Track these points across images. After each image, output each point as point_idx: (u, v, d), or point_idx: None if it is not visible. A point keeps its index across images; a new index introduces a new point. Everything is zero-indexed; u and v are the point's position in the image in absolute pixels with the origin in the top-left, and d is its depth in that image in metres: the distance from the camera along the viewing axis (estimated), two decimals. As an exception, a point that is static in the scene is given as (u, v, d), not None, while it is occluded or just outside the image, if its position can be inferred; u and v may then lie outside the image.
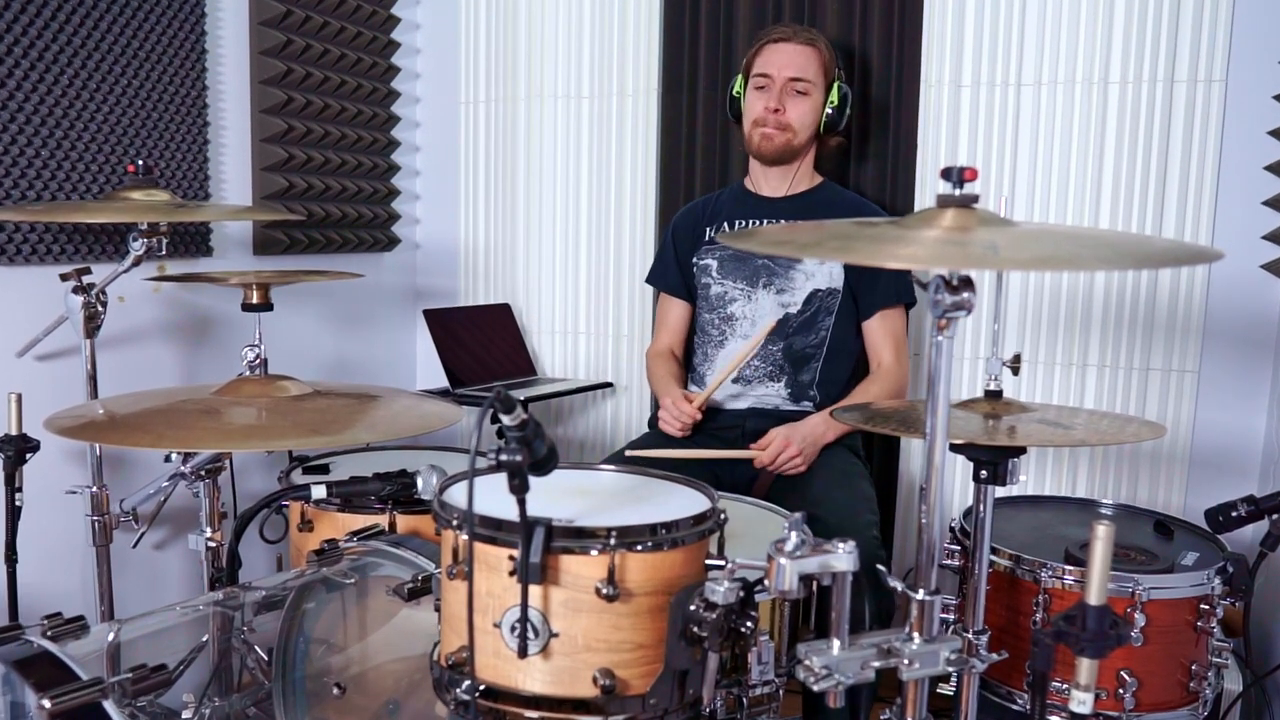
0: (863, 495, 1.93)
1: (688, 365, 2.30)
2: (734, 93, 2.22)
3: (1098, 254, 0.97)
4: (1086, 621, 0.89)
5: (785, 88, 2.11)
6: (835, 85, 2.14)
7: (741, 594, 0.97)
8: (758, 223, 2.20)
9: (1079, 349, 2.28)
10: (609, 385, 2.72)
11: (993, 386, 1.44)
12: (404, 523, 1.58)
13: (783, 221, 2.16)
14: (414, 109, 2.95)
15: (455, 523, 1.02)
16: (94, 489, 1.79)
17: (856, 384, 2.15)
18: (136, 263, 1.76)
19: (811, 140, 2.17)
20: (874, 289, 2.13)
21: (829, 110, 2.14)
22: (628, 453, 1.96)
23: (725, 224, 2.23)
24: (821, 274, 2.13)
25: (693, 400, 2.06)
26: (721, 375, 2.06)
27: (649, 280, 2.41)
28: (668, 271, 2.32)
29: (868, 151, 2.43)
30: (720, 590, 0.95)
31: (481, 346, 2.65)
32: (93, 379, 1.79)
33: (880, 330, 2.15)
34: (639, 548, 0.98)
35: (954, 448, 1.29)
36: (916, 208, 2.17)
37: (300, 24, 2.43)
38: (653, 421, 2.30)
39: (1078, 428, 1.41)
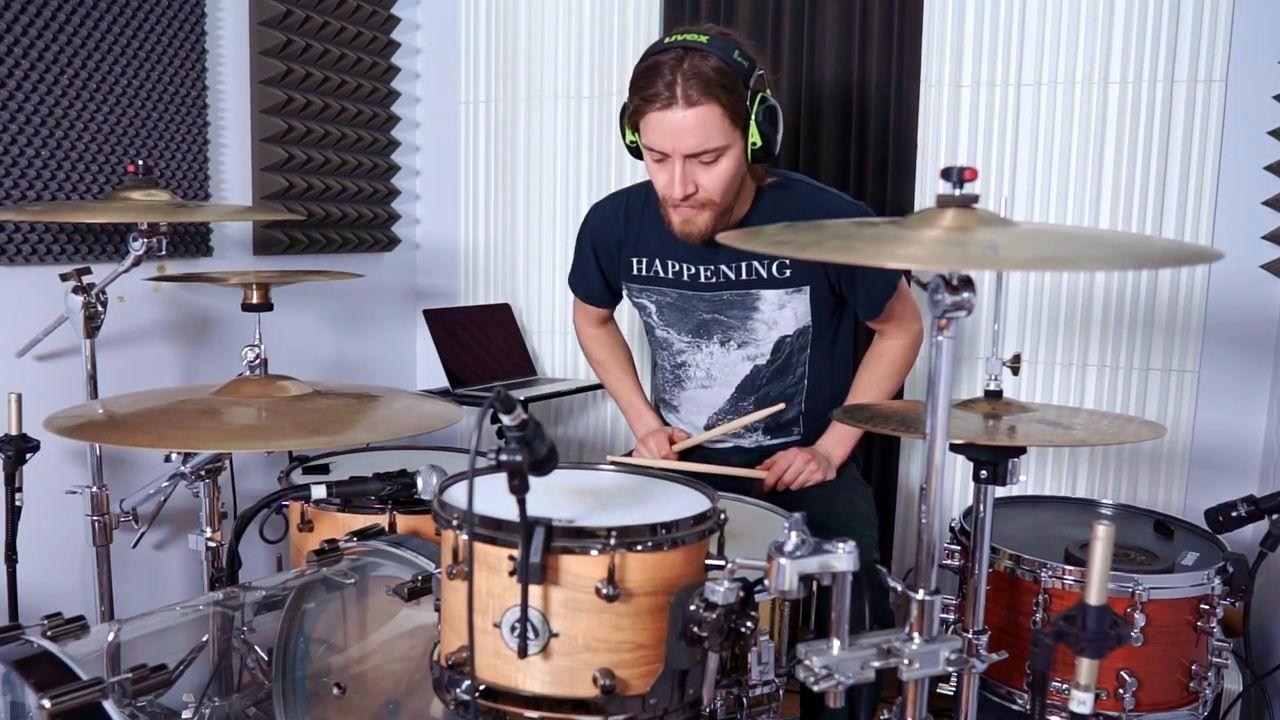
0: (860, 514, 1.86)
1: (653, 382, 2.16)
2: (628, 142, 1.77)
3: (1098, 254, 0.97)
4: (1086, 621, 0.89)
5: (689, 164, 1.67)
6: (753, 119, 1.65)
7: (741, 594, 0.97)
8: (693, 269, 1.87)
9: (1079, 349, 2.28)
10: (609, 385, 2.71)
11: (993, 386, 1.44)
12: (404, 523, 1.58)
13: (724, 267, 1.84)
14: (414, 109, 2.95)
15: (455, 523, 1.02)
16: (94, 489, 1.79)
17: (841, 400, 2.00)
18: (136, 263, 1.76)
19: (742, 183, 1.76)
20: (868, 289, 1.87)
21: (754, 149, 1.68)
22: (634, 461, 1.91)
23: (657, 262, 1.91)
24: (784, 319, 1.87)
25: (675, 443, 1.97)
26: (706, 437, 1.97)
27: (571, 285, 2.11)
28: (589, 283, 2.05)
29: (868, 151, 2.43)
30: (720, 590, 0.95)
31: (481, 346, 2.66)
32: (93, 379, 1.79)
33: (884, 317, 1.92)
34: (639, 548, 0.98)
35: (954, 448, 1.29)
36: (916, 208, 2.17)
37: (300, 24, 2.43)
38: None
39: (1078, 428, 1.41)
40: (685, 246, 1.84)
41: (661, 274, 1.92)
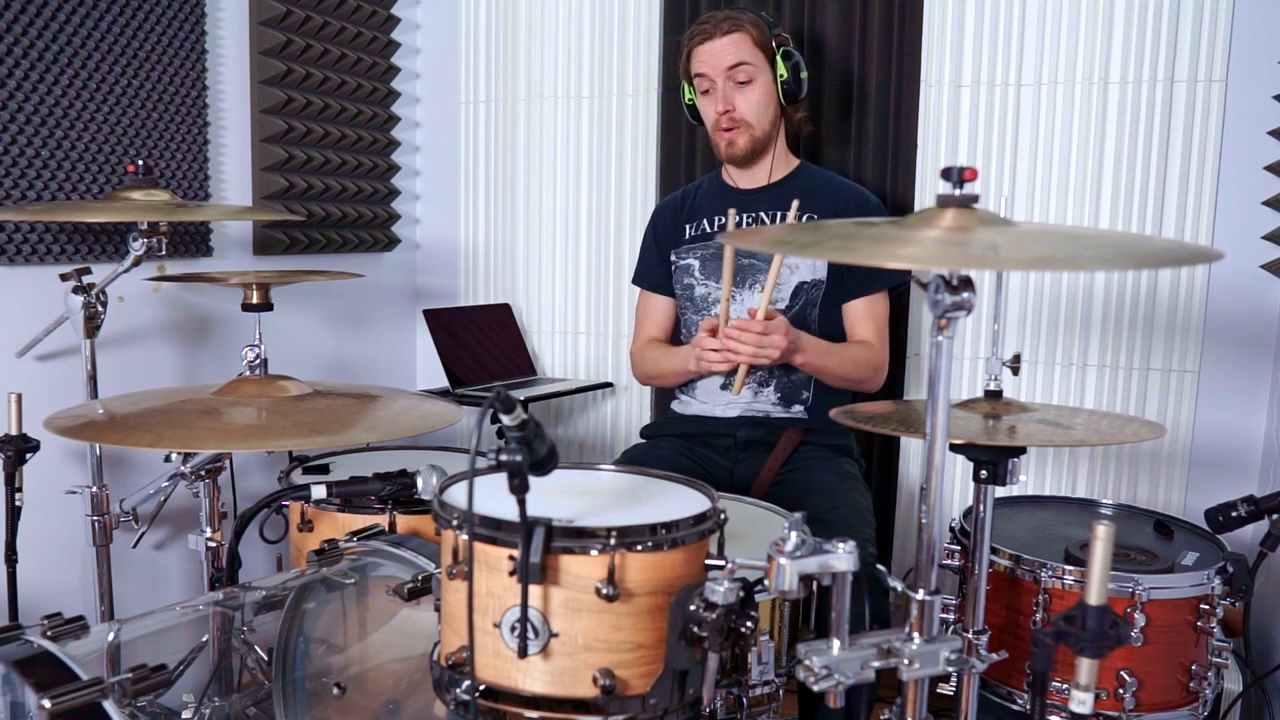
0: (857, 506, 1.88)
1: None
2: (686, 101, 2.16)
3: (1098, 254, 0.97)
4: (1086, 621, 0.89)
5: (727, 83, 2.03)
6: (779, 57, 2.04)
7: (741, 594, 0.97)
8: (737, 217, 2.12)
9: (1079, 349, 2.28)
10: (609, 385, 2.72)
11: (993, 386, 1.44)
12: (404, 523, 1.58)
13: (763, 215, 2.11)
14: (414, 109, 2.95)
15: (455, 523, 1.02)
16: (94, 489, 1.79)
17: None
18: (136, 263, 1.76)
19: (776, 122, 2.09)
20: (861, 271, 2.03)
21: (783, 83, 2.04)
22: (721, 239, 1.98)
23: (704, 221, 2.17)
24: (804, 265, 2.07)
25: (753, 316, 1.88)
26: (768, 290, 1.90)
27: (635, 281, 2.33)
28: (652, 270, 2.26)
29: (868, 151, 2.43)
30: (720, 590, 0.95)
31: (481, 346, 2.66)
32: (93, 379, 1.79)
33: (862, 311, 2.08)
34: (639, 548, 0.98)
35: (954, 448, 1.29)
36: (916, 208, 2.17)
37: (300, 24, 2.43)
38: (644, 431, 2.26)
39: (1078, 428, 1.41)
40: (729, 201, 2.13)
41: (708, 229, 2.17)
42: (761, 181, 2.14)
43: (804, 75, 2.06)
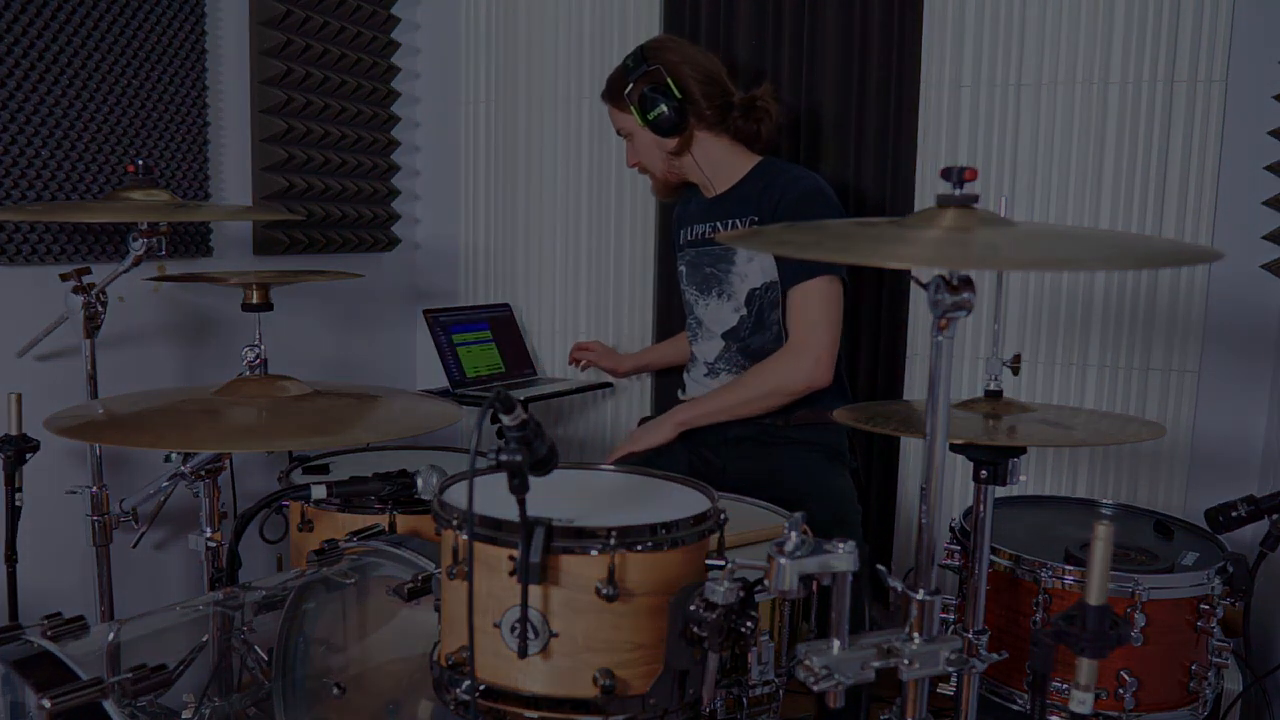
0: (850, 515, 1.92)
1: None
2: None
3: (1098, 254, 0.97)
4: (1086, 621, 0.89)
5: (626, 143, 2.21)
6: (631, 106, 2.08)
7: (741, 594, 0.97)
8: (701, 228, 2.18)
9: (1079, 349, 2.28)
10: (609, 385, 2.72)
11: (993, 386, 1.45)
12: (404, 523, 1.58)
13: (716, 224, 2.15)
14: (414, 109, 2.95)
15: (455, 523, 1.02)
16: (94, 489, 1.79)
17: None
18: (136, 263, 1.76)
19: (669, 159, 2.14)
20: (794, 261, 2.00)
21: (651, 125, 2.07)
22: None
23: (686, 230, 2.24)
24: (753, 272, 2.07)
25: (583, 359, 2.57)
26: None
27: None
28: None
29: (868, 151, 2.43)
30: (720, 590, 0.95)
31: (481, 346, 2.65)
32: (93, 379, 1.79)
33: (790, 304, 2.02)
34: (639, 548, 0.98)
35: (954, 448, 1.29)
36: (916, 208, 2.17)
37: (300, 24, 2.43)
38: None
39: (1078, 428, 1.42)
40: (698, 209, 2.22)
41: (688, 236, 2.25)
42: (713, 191, 2.18)
43: (663, 110, 2.04)
